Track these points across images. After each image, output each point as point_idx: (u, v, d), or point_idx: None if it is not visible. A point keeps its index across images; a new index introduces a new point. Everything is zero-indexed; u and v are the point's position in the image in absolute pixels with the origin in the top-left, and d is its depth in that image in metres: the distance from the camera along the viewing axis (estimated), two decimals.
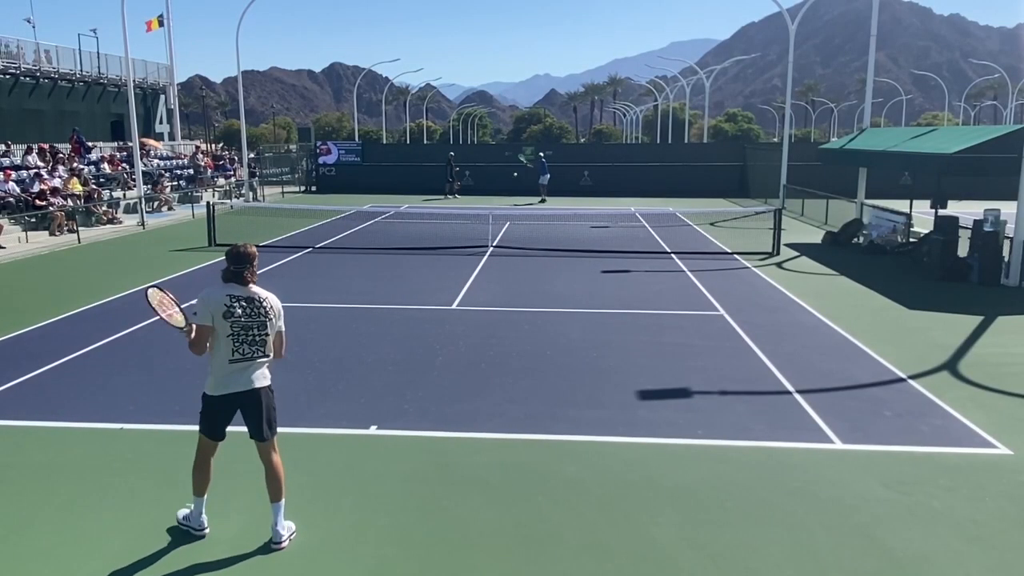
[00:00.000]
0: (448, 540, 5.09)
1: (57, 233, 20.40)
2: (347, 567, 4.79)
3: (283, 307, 5.05)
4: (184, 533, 5.10)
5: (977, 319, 11.29)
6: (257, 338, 4.85)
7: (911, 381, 8.40)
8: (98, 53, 36.06)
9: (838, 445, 6.66)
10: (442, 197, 33.75)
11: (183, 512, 5.16)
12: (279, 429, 5.19)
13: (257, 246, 5.07)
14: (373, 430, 6.96)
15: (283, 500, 5.04)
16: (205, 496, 5.07)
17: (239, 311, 4.77)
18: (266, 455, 5.07)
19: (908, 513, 5.46)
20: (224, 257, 4.95)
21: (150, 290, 4.97)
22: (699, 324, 11.00)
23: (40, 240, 19.51)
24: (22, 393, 7.96)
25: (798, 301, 12.53)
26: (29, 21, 36.86)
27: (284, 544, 4.96)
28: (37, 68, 31.77)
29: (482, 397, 7.86)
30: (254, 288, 4.87)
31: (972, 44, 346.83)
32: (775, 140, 65.72)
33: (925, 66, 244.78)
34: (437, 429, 6.97)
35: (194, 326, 4.80)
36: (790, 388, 8.14)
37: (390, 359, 9.14)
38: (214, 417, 4.95)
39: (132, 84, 26.13)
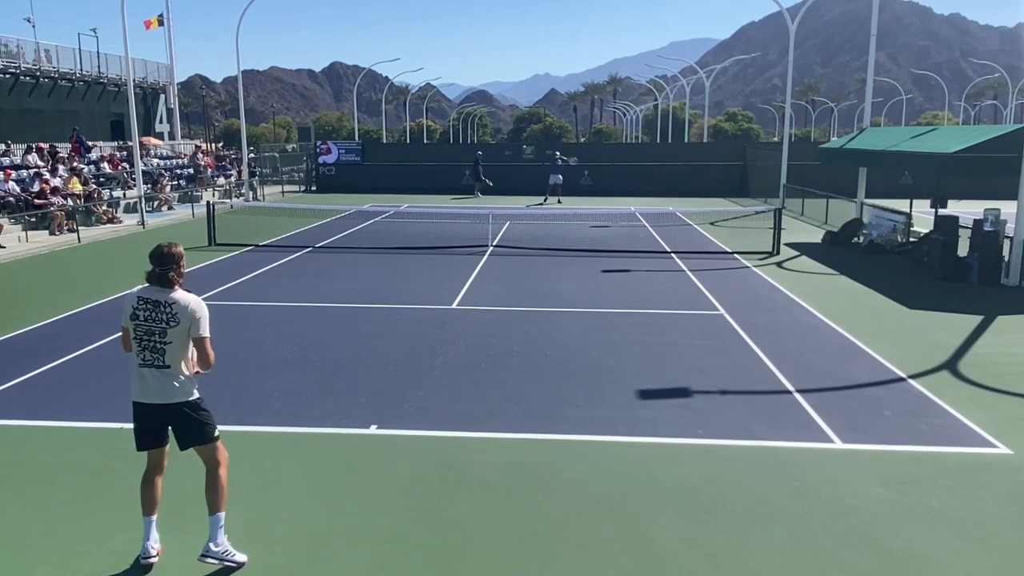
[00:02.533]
0: (448, 539, 5.09)
1: (57, 233, 20.40)
2: (348, 567, 4.79)
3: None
4: (185, 532, 5.09)
5: (977, 319, 11.29)
6: (157, 345, 4.56)
7: (911, 381, 8.41)
8: (98, 53, 36.08)
9: (838, 445, 6.66)
10: (471, 196, 33.71)
11: None
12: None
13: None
14: (373, 430, 6.96)
15: (221, 514, 4.73)
16: (153, 517, 4.80)
17: (142, 315, 4.57)
18: (206, 460, 4.80)
19: (908, 513, 5.46)
20: (148, 257, 4.67)
21: None
22: (699, 324, 11.00)
23: (40, 240, 19.51)
24: (23, 392, 7.96)
25: (798, 301, 12.54)
26: (29, 20, 36.91)
27: (209, 560, 4.63)
28: (37, 68, 31.76)
29: (482, 397, 7.86)
30: (174, 292, 4.59)
31: (972, 43, 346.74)
32: (775, 140, 65.74)
33: (925, 65, 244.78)
34: (437, 429, 6.97)
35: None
36: (790, 388, 8.14)
37: (390, 359, 9.14)
38: (139, 425, 4.74)
39: (132, 84, 26.13)
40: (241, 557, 4.74)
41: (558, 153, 33.33)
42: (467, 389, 8.09)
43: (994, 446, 6.64)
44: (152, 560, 4.72)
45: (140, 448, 4.83)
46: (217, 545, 4.68)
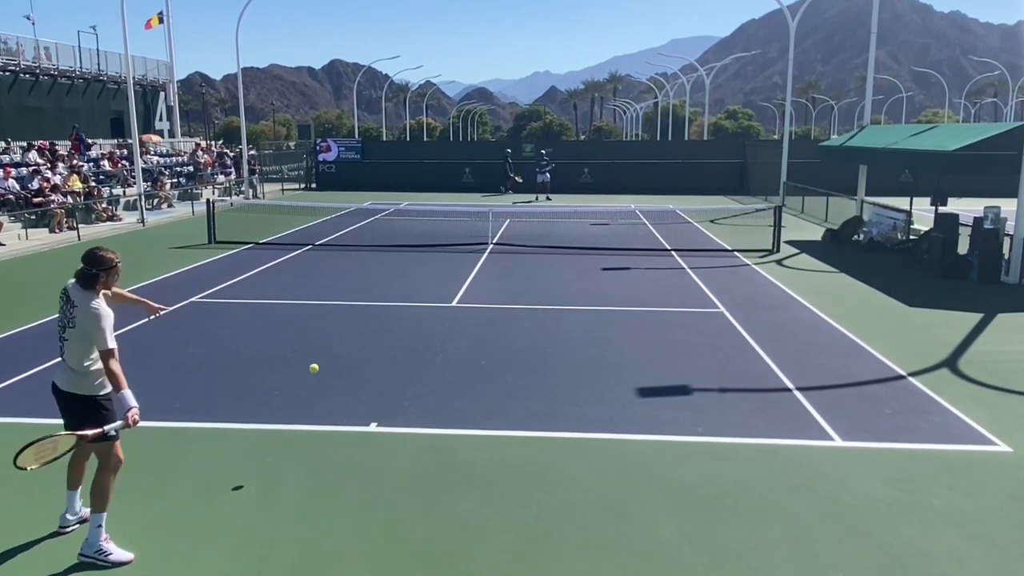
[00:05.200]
0: (448, 537, 5.09)
1: (57, 230, 20.40)
2: (348, 564, 4.79)
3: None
4: (187, 529, 5.10)
5: (977, 316, 11.29)
6: (61, 337, 4.78)
7: (911, 378, 8.41)
8: (98, 50, 36.03)
9: (838, 442, 6.67)
10: (500, 193, 33.64)
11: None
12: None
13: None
14: (373, 427, 6.97)
15: (101, 515, 4.78)
16: (76, 491, 5.07)
17: (60, 305, 4.82)
18: (97, 457, 4.88)
19: (908, 511, 5.46)
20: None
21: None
22: (699, 321, 11.00)
23: (40, 237, 19.51)
24: (24, 390, 7.96)
25: (798, 298, 12.54)
26: (29, 18, 36.73)
27: (83, 558, 4.69)
28: (37, 65, 31.72)
29: (482, 394, 7.86)
30: (87, 297, 4.70)
31: (972, 41, 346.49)
32: (775, 137, 65.73)
33: (925, 63, 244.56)
34: (437, 426, 6.97)
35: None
36: (790, 385, 8.15)
37: (390, 357, 9.14)
38: (57, 404, 4.90)
39: (132, 81, 26.10)
40: (120, 556, 4.74)
41: (543, 152, 33.35)
42: (467, 387, 8.09)
43: (994, 444, 6.65)
44: (69, 531, 5.01)
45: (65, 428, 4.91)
46: (90, 546, 4.75)
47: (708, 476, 6.00)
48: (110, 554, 4.75)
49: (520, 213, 23.25)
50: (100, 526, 4.78)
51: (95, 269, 4.77)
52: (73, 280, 4.81)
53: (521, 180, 32.97)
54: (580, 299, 12.42)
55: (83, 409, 4.79)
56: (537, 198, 31.45)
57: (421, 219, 23.32)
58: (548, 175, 31.52)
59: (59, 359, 4.85)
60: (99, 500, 4.81)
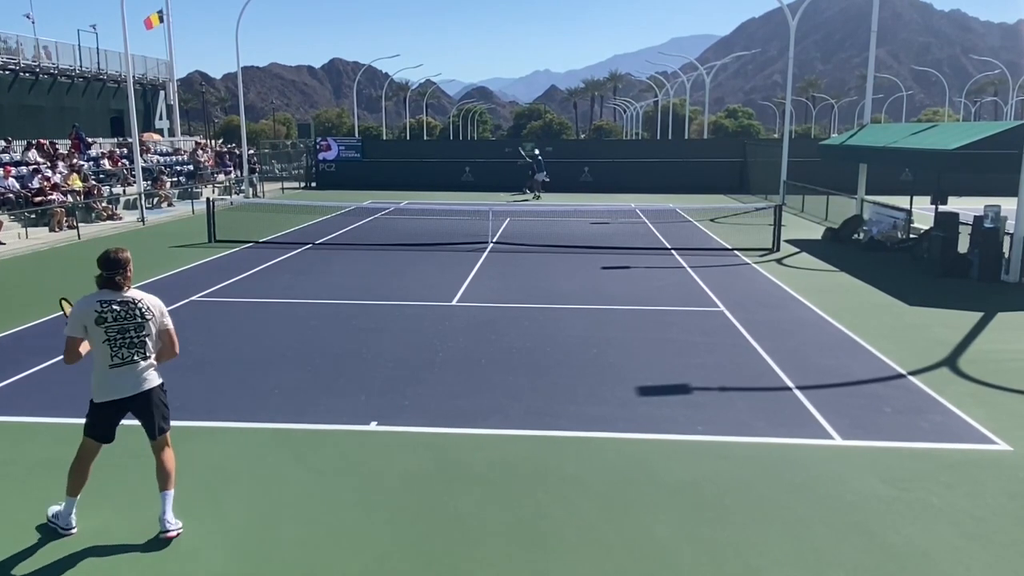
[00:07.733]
0: (448, 536, 5.09)
1: (57, 229, 20.39)
2: (348, 563, 4.79)
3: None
4: (186, 528, 5.09)
5: (977, 315, 11.29)
6: (135, 340, 4.91)
7: (911, 377, 8.41)
8: (97, 49, 36.00)
9: (838, 441, 6.67)
10: (527, 193, 33.65)
11: (53, 509, 5.15)
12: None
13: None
14: (373, 426, 6.97)
15: (171, 491, 5.06)
16: (78, 497, 5.09)
17: (110, 317, 4.83)
18: (158, 450, 5.13)
19: (908, 509, 5.46)
20: (96, 263, 4.95)
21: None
22: (699, 320, 11.00)
23: (40, 236, 19.50)
24: (24, 389, 7.97)
25: (798, 297, 12.54)
26: (28, 17, 36.68)
27: (172, 534, 4.94)
28: (37, 64, 31.71)
29: (482, 393, 7.86)
30: (129, 292, 4.92)
31: (973, 40, 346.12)
32: (775, 136, 65.69)
33: (926, 62, 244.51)
34: (437, 425, 6.98)
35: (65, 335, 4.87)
36: (790, 384, 8.15)
37: (390, 355, 9.14)
38: (102, 422, 5.01)
39: (132, 80, 26.08)
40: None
41: (537, 152, 33.40)
42: (467, 386, 8.09)
43: (994, 443, 6.65)
44: (72, 531, 5.04)
45: (103, 439, 5.07)
46: (173, 519, 4.99)
47: (708, 475, 6.00)
48: (180, 524, 5.04)
49: (520, 212, 23.25)
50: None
51: (120, 271, 4.91)
52: (100, 290, 4.89)
53: (548, 179, 32.72)
54: (580, 298, 12.41)
55: (161, 397, 5.09)
56: (538, 196, 31.56)
57: (421, 218, 23.31)
58: (544, 174, 31.81)
59: (118, 369, 4.88)
60: (171, 478, 5.10)
